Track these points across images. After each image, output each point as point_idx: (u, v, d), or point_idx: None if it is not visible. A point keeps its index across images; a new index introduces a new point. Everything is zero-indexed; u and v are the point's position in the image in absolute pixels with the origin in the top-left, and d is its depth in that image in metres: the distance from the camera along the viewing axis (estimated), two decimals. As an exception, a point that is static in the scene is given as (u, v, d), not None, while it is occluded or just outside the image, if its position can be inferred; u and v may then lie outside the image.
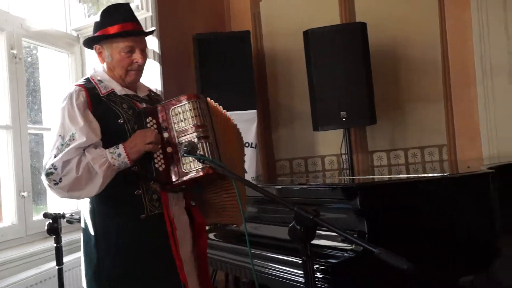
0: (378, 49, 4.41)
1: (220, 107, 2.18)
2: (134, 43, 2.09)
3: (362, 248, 2.17)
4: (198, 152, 1.91)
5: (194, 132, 1.95)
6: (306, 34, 4.26)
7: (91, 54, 3.94)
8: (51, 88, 3.76)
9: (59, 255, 2.50)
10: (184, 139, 1.95)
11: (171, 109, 2.00)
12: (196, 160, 1.91)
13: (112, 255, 2.01)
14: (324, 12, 4.72)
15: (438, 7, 4.62)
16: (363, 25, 4.19)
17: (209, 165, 1.88)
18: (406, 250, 1.49)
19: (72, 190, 1.92)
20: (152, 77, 3.74)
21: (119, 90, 2.09)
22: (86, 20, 3.94)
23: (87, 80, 2.12)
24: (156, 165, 1.97)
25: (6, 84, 3.12)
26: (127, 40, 2.08)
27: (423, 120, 4.61)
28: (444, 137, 4.61)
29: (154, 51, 3.89)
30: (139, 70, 2.12)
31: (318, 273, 2.18)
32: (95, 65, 2.20)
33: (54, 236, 2.49)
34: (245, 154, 2.38)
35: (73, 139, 1.92)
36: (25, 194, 3.08)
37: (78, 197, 2.00)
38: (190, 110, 1.97)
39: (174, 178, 1.97)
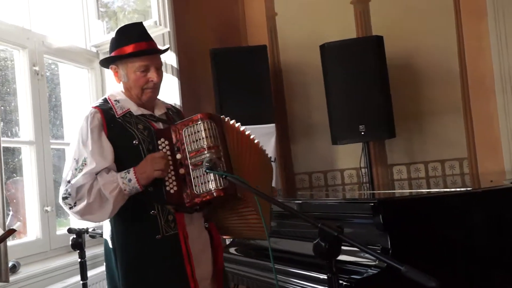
0: (395, 61, 4.42)
1: (238, 125, 2.14)
2: (148, 62, 2.09)
3: (386, 264, 2.18)
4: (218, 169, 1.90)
5: (206, 153, 1.93)
6: (323, 47, 4.29)
7: (109, 70, 4.01)
8: (72, 103, 3.83)
9: (83, 270, 2.54)
10: (195, 160, 1.94)
11: (184, 129, 1.99)
12: (208, 182, 1.90)
13: (129, 274, 2.03)
14: (340, 26, 4.73)
15: (455, 18, 4.61)
16: (379, 38, 4.21)
17: (225, 183, 1.88)
18: (428, 266, 1.50)
19: (85, 215, 1.98)
20: (170, 92, 3.78)
21: (135, 110, 2.11)
22: (105, 36, 4.01)
23: (105, 100, 2.14)
24: (167, 188, 1.98)
25: (29, 100, 3.19)
26: (141, 59, 2.09)
27: (443, 132, 4.58)
28: (465, 150, 4.57)
29: (172, 66, 3.94)
30: (155, 88, 2.13)
31: (341, 289, 2.18)
32: (113, 84, 2.23)
33: (78, 251, 2.52)
34: (272, 172, 2.35)
35: (85, 164, 1.97)
36: (48, 208, 3.14)
37: (92, 221, 2.06)
38: (203, 130, 1.95)
39: (186, 200, 1.96)
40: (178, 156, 1.99)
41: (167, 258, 2.02)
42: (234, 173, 1.97)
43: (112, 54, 2.14)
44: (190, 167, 1.95)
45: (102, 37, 4.00)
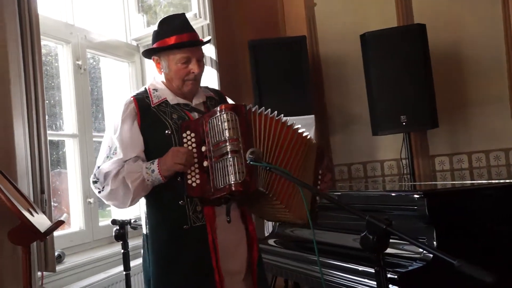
0: (438, 50, 4.29)
1: (267, 114, 2.03)
2: (190, 54, 2.09)
3: (431, 257, 2.12)
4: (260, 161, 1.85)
5: (227, 145, 1.89)
6: (363, 37, 4.20)
7: (150, 63, 4.02)
8: (113, 97, 3.87)
9: (126, 260, 2.56)
10: (217, 153, 1.92)
11: (208, 121, 1.96)
12: (228, 175, 1.87)
13: (158, 261, 2.05)
14: (380, 15, 4.62)
15: (502, 4, 4.43)
16: (422, 27, 4.08)
17: (243, 177, 1.85)
18: (474, 260, 1.44)
19: (109, 200, 2.05)
20: (209, 84, 3.77)
21: (171, 99, 2.11)
22: (145, 30, 4.03)
23: (144, 90, 2.16)
24: (189, 181, 1.97)
25: (72, 95, 3.23)
26: (182, 51, 2.08)
27: (488, 123, 4.42)
28: (511, 140, 4.42)
29: (211, 58, 3.93)
30: (196, 80, 2.12)
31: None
32: (155, 74, 2.23)
33: (121, 242, 2.54)
34: (316, 158, 2.19)
35: (115, 153, 2.02)
36: (91, 200, 3.18)
37: (116, 207, 2.11)
38: (224, 122, 1.91)
39: (209, 193, 1.95)
40: (203, 148, 1.97)
41: (194, 249, 2.02)
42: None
43: (154, 45, 2.14)
44: (213, 159, 1.93)
45: (142, 30, 4.03)
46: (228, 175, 1.87)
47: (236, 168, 1.86)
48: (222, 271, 2.03)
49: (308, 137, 2.15)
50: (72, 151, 3.19)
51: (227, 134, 1.90)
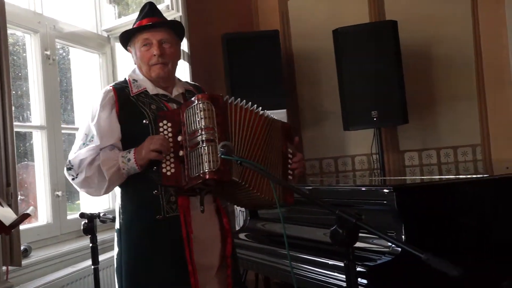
0: (409, 47, 4.34)
1: (242, 105, 2.01)
2: (149, 35, 2.08)
3: (400, 250, 2.14)
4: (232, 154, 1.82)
5: (202, 134, 1.87)
6: (336, 32, 4.22)
7: (121, 55, 3.98)
8: (82, 88, 3.80)
9: (95, 254, 2.52)
10: (192, 142, 1.90)
11: (185, 111, 1.95)
12: (202, 164, 1.84)
13: (129, 252, 2.04)
14: (353, 11, 4.65)
15: (471, 3, 4.51)
16: (393, 23, 4.13)
17: (217, 165, 1.82)
18: (443, 253, 1.46)
19: (83, 187, 2.04)
20: (182, 77, 3.74)
21: (151, 89, 2.10)
22: (116, 21, 3.97)
23: (124, 80, 2.15)
24: (164, 170, 1.94)
25: (40, 85, 3.16)
26: (143, 34, 2.09)
27: (456, 119, 4.51)
28: (478, 137, 4.50)
29: (183, 51, 3.89)
30: (161, 63, 2.08)
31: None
32: (134, 66, 2.21)
33: (89, 235, 2.50)
34: (289, 140, 2.17)
35: (92, 140, 2.01)
36: (59, 193, 3.12)
37: (90, 194, 2.10)
38: (200, 111, 1.89)
39: (183, 183, 1.92)
40: (179, 138, 1.95)
41: (167, 240, 2.00)
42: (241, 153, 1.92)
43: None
44: (188, 149, 1.92)
45: (113, 21, 3.96)
46: (202, 163, 1.85)
47: (210, 157, 1.84)
48: (196, 264, 2.01)
49: (273, 117, 2.11)
50: (39, 143, 3.12)
51: (202, 123, 1.88)
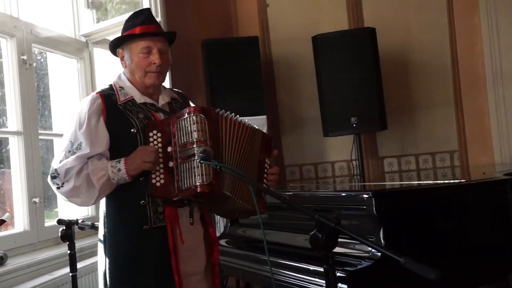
0: (387, 54, 4.41)
1: (235, 118, 2.05)
2: (151, 44, 2.07)
3: (379, 255, 2.17)
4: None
5: (194, 147, 1.88)
6: (315, 39, 4.26)
7: (100, 60, 3.96)
8: (60, 94, 3.77)
9: (73, 261, 2.50)
10: (183, 154, 1.91)
11: (176, 122, 1.96)
12: (194, 177, 1.86)
13: (115, 262, 2.03)
14: (332, 18, 4.71)
15: (447, 11, 4.61)
16: (372, 30, 4.19)
17: (210, 179, 1.84)
18: (422, 257, 1.48)
19: (70, 197, 2.00)
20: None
21: (138, 98, 2.09)
22: (95, 26, 3.95)
23: (109, 86, 2.14)
24: (153, 180, 1.95)
25: (17, 90, 3.12)
26: (144, 40, 2.07)
27: (434, 126, 4.59)
28: (456, 143, 4.59)
29: (163, 57, 3.89)
30: (158, 72, 2.09)
31: (334, 281, 2.16)
32: (120, 72, 2.21)
33: (67, 242, 2.48)
34: (268, 151, 2.19)
35: (79, 148, 1.97)
36: (36, 200, 3.09)
37: (77, 204, 2.07)
38: (193, 124, 1.91)
39: (172, 194, 1.93)
40: (169, 149, 1.96)
41: (154, 250, 2.00)
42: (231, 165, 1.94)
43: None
44: (179, 160, 1.92)
45: (92, 26, 3.94)
46: (194, 176, 1.86)
47: (202, 170, 1.85)
48: (182, 272, 2.01)
49: (257, 128, 2.14)
50: (16, 149, 3.08)
51: (195, 136, 1.89)
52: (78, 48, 3.86)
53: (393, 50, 4.56)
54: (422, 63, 4.62)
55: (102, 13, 4.14)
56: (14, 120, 3.11)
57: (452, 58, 4.60)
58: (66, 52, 3.77)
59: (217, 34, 4.48)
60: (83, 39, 3.93)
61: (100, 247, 2.10)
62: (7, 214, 1.92)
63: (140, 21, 2.11)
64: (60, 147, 2.04)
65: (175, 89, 2.35)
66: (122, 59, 2.15)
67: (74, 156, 1.96)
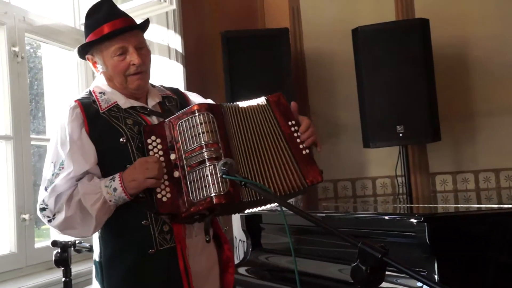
0: (442, 50, 4.37)
1: (243, 107, 2.07)
2: (124, 43, 2.07)
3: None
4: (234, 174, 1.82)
5: (204, 151, 1.89)
6: (356, 32, 4.25)
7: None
8: (56, 92, 3.80)
9: (68, 290, 2.51)
10: (191, 161, 1.91)
11: (178, 124, 1.95)
12: (207, 187, 1.86)
13: None
14: (376, 7, 4.71)
15: (515, 1, 4.55)
16: (424, 22, 4.16)
17: (226, 188, 1.84)
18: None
19: (65, 229, 2.00)
20: (174, 81, 3.76)
21: (123, 102, 2.09)
22: (98, 13, 3.98)
23: (89, 93, 2.14)
24: (159, 195, 1.94)
25: (6, 87, 3.15)
26: (114, 40, 2.06)
27: (499, 136, 4.51)
28: (525, 158, 4.51)
29: (176, 51, 3.91)
30: (141, 72, 2.09)
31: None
32: (98, 76, 2.20)
33: (62, 268, 2.49)
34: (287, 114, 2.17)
35: (62, 168, 1.96)
36: (26, 216, 3.10)
37: (74, 236, 2.11)
38: (199, 124, 1.91)
39: (182, 209, 1.93)
40: (173, 156, 1.96)
41: (162, 277, 1.99)
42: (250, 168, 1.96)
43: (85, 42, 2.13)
44: (186, 168, 1.92)
45: (94, 14, 3.98)
46: (208, 186, 1.86)
47: (217, 178, 1.84)
48: None
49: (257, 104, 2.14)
50: (4, 156, 3.11)
51: (204, 138, 1.89)
52: (77, 39, 3.88)
53: (449, 45, 4.52)
54: (484, 62, 4.56)
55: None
56: (2, 122, 3.14)
57: (523, 56, 4.51)
58: (64, 44, 3.80)
59: (239, 25, 4.49)
60: (83, 29, 3.97)
61: (95, 275, 2.10)
62: (-8, 233, 1.93)
63: (103, 16, 2.08)
64: (44, 173, 2.03)
65: (166, 86, 2.34)
66: (94, 66, 2.15)
67: (58, 178, 1.95)
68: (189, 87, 3.85)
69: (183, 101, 2.26)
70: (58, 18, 3.80)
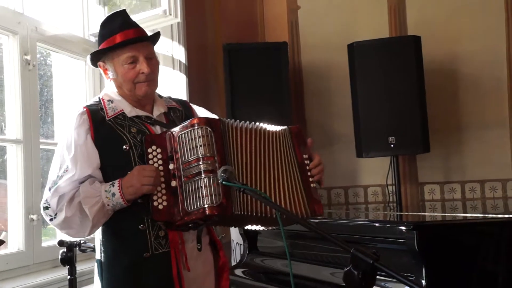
0: (433, 66, 4.39)
1: (246, 126, 2.06)
2: (135, 52, 2.10)
3: (419, 297, 2.15)
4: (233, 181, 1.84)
5: (201, 164, 1.89)
6: (351, 47, 4.26)
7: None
8: (65, 98, 3.82)
9: (72, 288, 2.52)
10: (188, 172, 1.92)
11: (179, 136, 1.96)
12: (201, 198, 1.86)
13: None
14: (371, 23, 4.72)
15: (505, 18, 4.54)
16: (416, 39, 4.17)
17: (219, 200, 1.84)
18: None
19: (64, 229, 2.03)
20: (176, 91, 3.78)
21: (129, 111, 2.11)
22: (106, 24, 4.00)
23: (97, 100, 2.16)
24: (155, 203, 1.95)
25: (18, 94, 3.18)
26: (127, 49, 2.09)
27: (484, 149, 4.52)
28: (510, 171, 4.49)
29: (180, 62, 3.93)
30: (149, 81, 2.12)
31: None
32: (108, 83, 2.23)
33: (68, 266, 2.50)
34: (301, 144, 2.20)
35: (66, 171, 1.99)
36: (34, 217, 3.12)
37: (72, 236, 2.10)
38: (198, 138, 1.92)
39: (176, 217, 1.93)
40: (171, 166, 1.97)
41: (155, 280, 2.00)
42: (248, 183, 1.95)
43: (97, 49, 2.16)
44: (183, 179, 1.93)
45: (102, 25, 4.00)
46: (202, 197, 1.86)
47: (211, 190, 1.85)
48: None
49: (277, 129, 2.15)
50: (14, 159, 3.13)
51: (201, 151, 1.90)
52: (86, 48, 3.91)
53: (440, 60, 4.54)
54: (473, 77, 4.57)
55: (110, 9, 4.19)
56: (13, 127, 3.15)
57: (509, 71, 4.52)
58: (73, 53, 3.82)
59: (240, 38, 4.52)
60: (93, 39, 3.99)
61: (97, 274, 2.13)
62: (3, 233, 1.94)
63: (117, 27, 2.11)
64: (51, 173, 2.06)
65: (174, 97, 2.36)
66: (105, 72, 2.17)
67: (61, 180, 1.98)
68: (191, 96, 3.87)
69: (189, 113, 2.28)
70: (68, 28, 3.82)
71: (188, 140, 1.93)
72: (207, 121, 1.97)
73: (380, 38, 4.34)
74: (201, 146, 1.90)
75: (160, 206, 1.94)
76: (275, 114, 4.11)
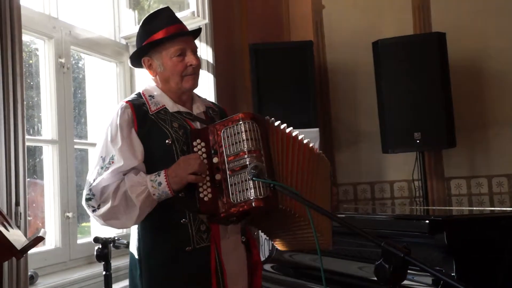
0: (458, 63, 4.33)
1: (284, 127, 2.08)
2: (184, 45, 2.10)
3: (448, 290, 2.11)
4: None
5: (246, 157, 1.88)
6: (376, 45, 4.23)
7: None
8: (98, 100, 3.86)
9: (108, 283, 2.53)
10: (233, 165, 1.90)
11: (223, 130, 1.95)
12: (247, 190, 1.86)
13: (149, 282, 2.02)
14: (395, 21, 4.68)
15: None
16: (441, 36, 4.13)
17: (267, 192, 1.84)
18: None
19: (109, 219, 1.98)
20: (204, 90, 3.79)
21: (171, 106, 2.10)
22: (136, 27, 4.02)
23: (138, 95, 2.14)
24: (201, 195, 1.94)
25: (53, 96, 3.21)
26: (175, 42, 2.09)
27: (511, 144, 4.46)
28: (536, 164, 4.44)
29: (208, 62, 3.94)
30: (195, 73, 2.12)
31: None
32: (147, 80, 2.22)
33: (103, 262, 2.52)
34: (329, 184, 2.27)
35: (112, 162, 1.97)
36: (70, 215, 3.15)
37: (116, 227, 2.06)
38: (243, 132, 1.91)
39: (221, 210, 1.93)
40: (215, 160, 1.96)
41: (197, 274, 1.99)
42: (278, 181, 1.92)
43: (143, 44, 2.14)
44: (228, 172, 1.92)
45: (133, 28, 4.03)
46: (248, 189, 1.86)
47: (258, 183, 1.85)
48: None
49: (320, 153, 2.20)
50: (50, 159, 3.16)
51: (247, 145, 1.90)
52: (117, 51, 3.94)
53: (464, 57, 4.47)
54: (498, 73, 4.51)
55: (139, 12, 4.22)
56: (49, 127, 3.19)
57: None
58: (105, 55, 3.86)
59: (266, 38, 4.51)
60: (123, 42, 4.02)
61: (133, 273, 2.10)
62: (42, 230, 1.93)
63: (163, 22, 2.11)
64: (92, 164, 2.04)
65: (209, 100, 2.36)
66: (149, 67, 2.16)
67: (107, 171, 1.96)
68: (218, 95, 3.88)
69: (223, 114, 2.28)
70: (100, 32, 3.86)
71: (233, 134, 1.93)
72: (252, 116, 1.96)
73: (405, 35, 4.30)
74: (247, 140, 1.90)
75: (206, 198, 1.94)
76: (302, 112, 4.11)
